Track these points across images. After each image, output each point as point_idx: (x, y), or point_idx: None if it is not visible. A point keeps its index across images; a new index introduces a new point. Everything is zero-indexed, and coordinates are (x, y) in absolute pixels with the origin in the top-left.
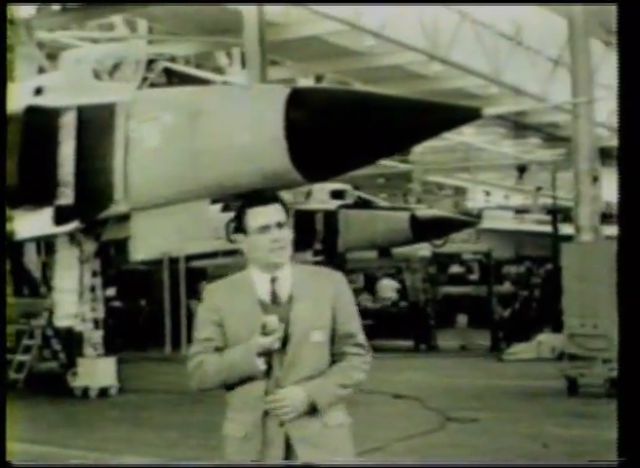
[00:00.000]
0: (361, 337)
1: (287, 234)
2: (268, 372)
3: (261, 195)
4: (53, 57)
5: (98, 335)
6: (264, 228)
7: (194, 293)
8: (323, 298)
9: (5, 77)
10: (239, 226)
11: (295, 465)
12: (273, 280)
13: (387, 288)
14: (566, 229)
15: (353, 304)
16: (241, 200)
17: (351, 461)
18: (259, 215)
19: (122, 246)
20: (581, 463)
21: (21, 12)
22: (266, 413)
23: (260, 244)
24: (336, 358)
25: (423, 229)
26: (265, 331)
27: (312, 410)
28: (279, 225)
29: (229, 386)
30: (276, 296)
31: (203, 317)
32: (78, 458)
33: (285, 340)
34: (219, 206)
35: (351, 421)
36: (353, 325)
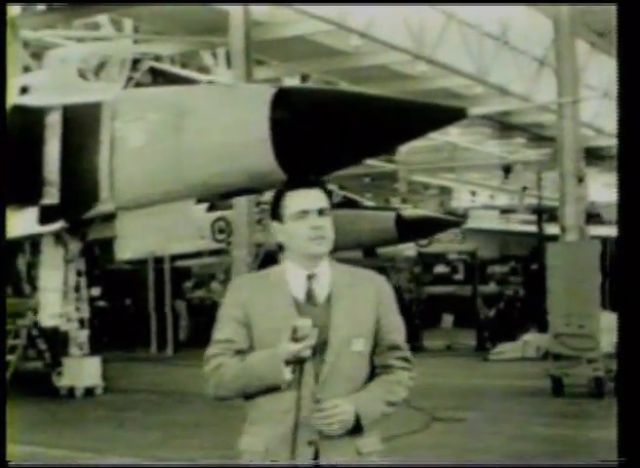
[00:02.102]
0: (407, 350)
1: (329, 223)
2: (299, 382)
3: (302, 178)
4: (38, 56)
5: (83, 335)
6: (303, 213)
7: (179, 293)
8: (365, 302)
9: (5, 77)
10: (275, 212)
11: (295, 465)
12: (310, 277)
13: None
14: (551, 229)
15: (398, 312)
16: (280, 183)
17: (351, 461)
18: (298, 199)
19: (107, 245)
20: (581, 463)
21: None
22: (295, 428)
23: (298, 232)
24: (379, 370)
25: (409, 229)
26: (296, 337)
27: (350, 431)
28: (320, 212)
29: (249, 396)
30: (313, 296)
31: (226, 314)
32: (63, 458)
33: (322, 347)
34: (204, 206)
35: (384, 448)
36: (399, 336)
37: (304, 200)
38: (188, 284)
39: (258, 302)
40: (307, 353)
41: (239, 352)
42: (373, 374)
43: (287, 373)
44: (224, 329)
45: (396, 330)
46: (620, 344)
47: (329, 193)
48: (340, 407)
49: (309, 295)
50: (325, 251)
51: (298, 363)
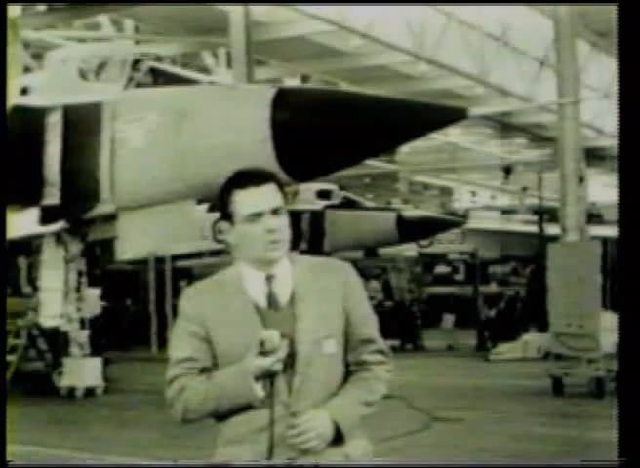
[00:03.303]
0: (381, 342)
1: (284, 223)
2: (271, 398)
3: (252, 172)
4: (38, 56)
5: (84, 335)
6: (256, 216)
7: (180, 294)
8: (332, 298)
9: (5, 77)
10: (224, 213)
11: (294, 465)
12: (269, 278)
13: (372, 288)
14: (552, 229)
15: (367, 301)
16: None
17: (351, 461)
18: (249, 199)
19: (108, 246)
20: (581, 463)
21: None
22: (272, 447)
23: (251, 236)
24: (353, 368)
25: (410, 229)
26: (264, 350)
27: (334, 439)
28: (275, 212)
29: (221, 416)
30: (274, 299)
31: (182, 330)
32: (63, 458)
33: (291, 356)
34: (205, 206)
35: (373, 449)
36: (372, 328)
37: (256, 200)
38: (183, 283)
39: (216, 314)
40: (278, 367)
41: (203, 370)
42: (347, 372)
43: (258, 390)
44: (183, 346)
45: (368, 322)
46: (620, 344)
47: (282, 188)
48: (314, 419)
49: (271, 299)
50: (281, 254)
51: (269, 377)
